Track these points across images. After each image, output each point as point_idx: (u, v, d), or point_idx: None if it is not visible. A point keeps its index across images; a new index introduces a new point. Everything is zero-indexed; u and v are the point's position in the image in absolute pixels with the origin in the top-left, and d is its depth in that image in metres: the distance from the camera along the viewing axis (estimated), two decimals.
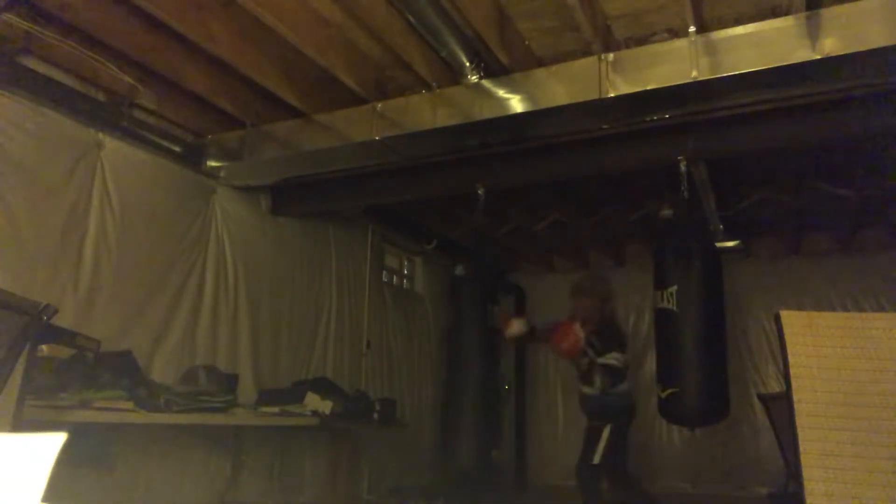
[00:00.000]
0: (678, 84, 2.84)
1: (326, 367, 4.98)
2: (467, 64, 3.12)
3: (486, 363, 5.67)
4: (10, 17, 2.87)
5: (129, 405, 2.90)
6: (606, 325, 4.25)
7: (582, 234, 6.14)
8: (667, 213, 5.05)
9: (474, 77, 3.22)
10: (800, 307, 3.82)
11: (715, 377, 4.42)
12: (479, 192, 4.04)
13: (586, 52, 3.10)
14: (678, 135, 3.49)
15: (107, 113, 3.50)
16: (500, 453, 5.21)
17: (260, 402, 4.01)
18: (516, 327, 4.58)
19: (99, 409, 2.76)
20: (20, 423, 1.83)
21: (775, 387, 5.72)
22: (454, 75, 3.29)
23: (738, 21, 2.90)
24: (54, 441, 0.64)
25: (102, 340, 3.10)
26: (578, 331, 4.10)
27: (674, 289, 4.47)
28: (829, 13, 2.62)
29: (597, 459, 3.92)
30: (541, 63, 3.32)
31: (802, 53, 2.62)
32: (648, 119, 3.21)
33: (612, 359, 4.09)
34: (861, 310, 5.59)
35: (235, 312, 4.26)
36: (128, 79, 3.40)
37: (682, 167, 3.60)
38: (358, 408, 4.48)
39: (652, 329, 5.74)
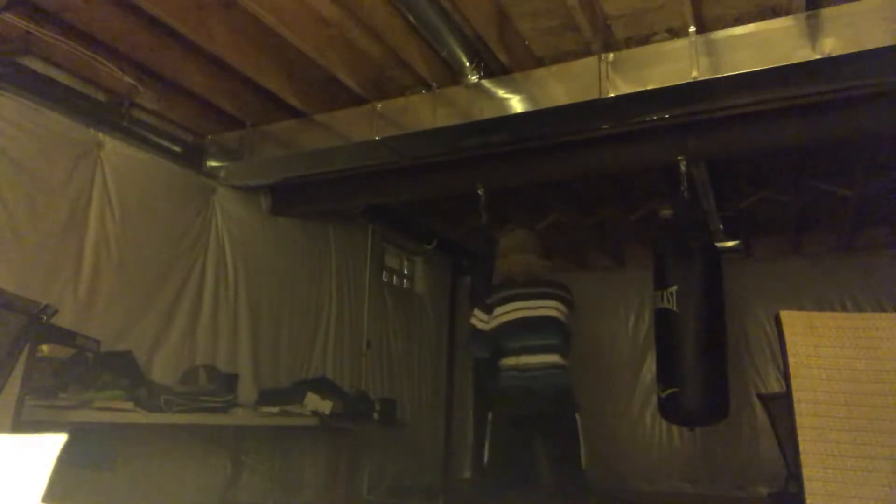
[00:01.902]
0: (678, 84, 2.83)
1: (326, 367, 4.98)
2: (467, 64, 3.12)
3: None
4: (10, 17, 2.86)
5: (129, 405, 2.91)
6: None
7: (582, 234, 6.13)
8: (667, 213, 5.04)
9: (474, 77, 3.21)
10: (800, 307, 3.81)
11: (715, 377, 4.41)
12: (480, 192, 4.04)
13: (586, 52, 3.10)
14: (678, 135, 3.48)
15: (107, 113, 3.50)
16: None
17: (260, 402, 4.02)
18: None
19: (99, 409, 2.77)
20: (20, 423, 1.83)
21: (775, 387, 5.71)
22: (454, 75, 3.29)
23: (738, 21, 2.90)
24: (54, 441, 0.64)
25: (102, 340, 3.10)
26: None
27: (674, 289, 4.46)
28: (829, 13, 2.61)
29: (485, 458, 3.27)
30: (541, 63, 3.31)
31: (802, 53, 2.62)
32: (648, 119, 3.21)
33: (473, 317, 3.55)
34: (861, 310, 5.58)
35: (235, 312, 4.26)
36: (128, 79, 3.40)
37: (682, 167, 3.60)
38: (358, 408, 4.48)
39: (652, 329, 5.75)
